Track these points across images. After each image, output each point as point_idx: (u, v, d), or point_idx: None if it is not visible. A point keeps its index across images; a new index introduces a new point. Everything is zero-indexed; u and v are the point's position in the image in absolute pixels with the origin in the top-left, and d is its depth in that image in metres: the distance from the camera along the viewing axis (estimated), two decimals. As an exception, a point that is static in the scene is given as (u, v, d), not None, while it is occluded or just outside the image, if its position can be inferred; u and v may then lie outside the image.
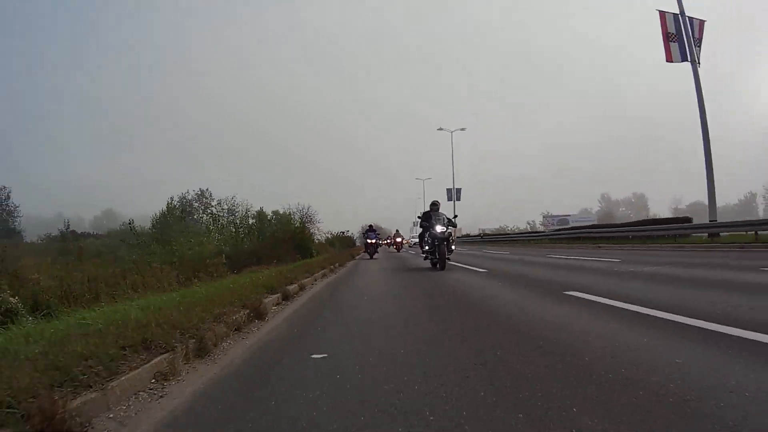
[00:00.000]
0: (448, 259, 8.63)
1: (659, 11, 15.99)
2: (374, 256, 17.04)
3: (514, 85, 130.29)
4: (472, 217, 72.48)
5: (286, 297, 5.08)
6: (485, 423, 1.48)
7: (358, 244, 33.48)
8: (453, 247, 9.01)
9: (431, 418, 1.54)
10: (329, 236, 26.58)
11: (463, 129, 38.54)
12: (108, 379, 1.90)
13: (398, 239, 24.08)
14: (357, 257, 18.47)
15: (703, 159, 15.35)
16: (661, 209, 69.57)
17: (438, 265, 8.34)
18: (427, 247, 9.30)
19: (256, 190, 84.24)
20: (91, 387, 1.80)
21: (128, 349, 2.21)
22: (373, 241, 17.48)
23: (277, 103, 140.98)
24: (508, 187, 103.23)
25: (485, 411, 1.58)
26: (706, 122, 15.19)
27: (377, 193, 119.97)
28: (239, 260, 10.87)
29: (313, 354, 2.49)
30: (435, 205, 9.17)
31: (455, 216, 9.54)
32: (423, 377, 1.98)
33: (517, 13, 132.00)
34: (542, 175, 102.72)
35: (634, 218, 57.26)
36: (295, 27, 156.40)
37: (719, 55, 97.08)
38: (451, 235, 8.80)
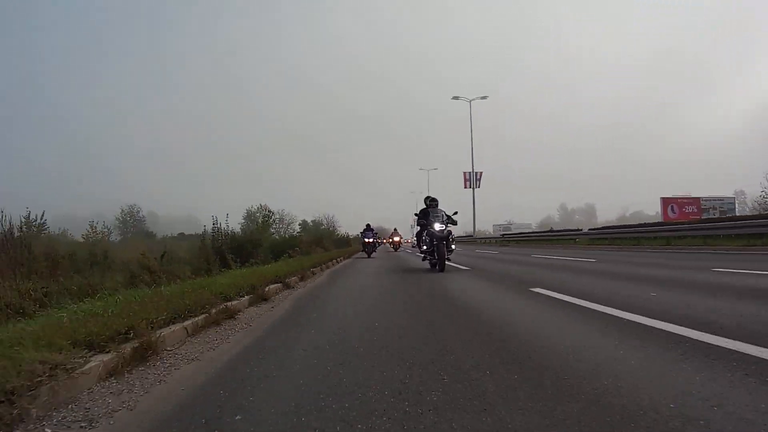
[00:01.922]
0: (448, 259, 7.76)
1: (464, 172, 34.68)
2: (372, 255, 16.61)
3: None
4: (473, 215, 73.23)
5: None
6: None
7: None
8: (453, 246, 8.04)
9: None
10: (350, 237, 36.17)
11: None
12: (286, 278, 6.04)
13: (396, 238, 24.09)
14: (355, 256, 18.02)
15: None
16: (610, 216, 75.76)
17: (437, 266, 7.51)
18: (425, 247, 8.34)
19: (258, 189, 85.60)
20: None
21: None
22: (371, 240, 17.04)
23: (278, 102, 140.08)
24: (509, 190, 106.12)
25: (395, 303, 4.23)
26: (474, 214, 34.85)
27: (377, 192, 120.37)
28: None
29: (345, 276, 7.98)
30: (433, 202, 8.29)
31: (455, 213, 8.40)
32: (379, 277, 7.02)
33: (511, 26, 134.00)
34: (537, 180, 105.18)
35: (585, 224, 60.85)
36: (306, 28, 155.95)
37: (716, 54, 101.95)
38: (450, 233, 7.91)
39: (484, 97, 34.02)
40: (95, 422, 1.54)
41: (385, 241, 31.48)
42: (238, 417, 1.51)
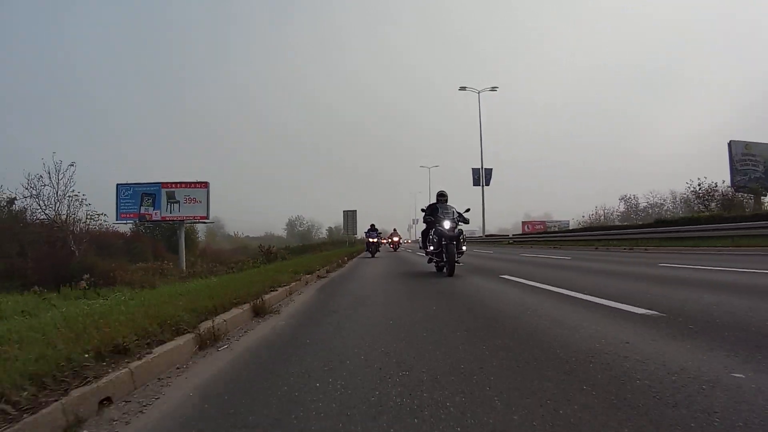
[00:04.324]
0: (458, 262, 6.75)
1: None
2: (375, 255, 16.08)
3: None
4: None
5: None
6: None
7: None
8: (464, 247, 7.03)
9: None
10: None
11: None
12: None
13: (395, 238, 23.99)
14: (360, 256, 17.58)
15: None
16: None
17: (445, 270, 6.63)
18: (431, 248, 7.27)
19: (261, 188, 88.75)
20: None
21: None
22: (374, 240, 16.78)
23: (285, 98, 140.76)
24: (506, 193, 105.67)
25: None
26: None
27: (378, 192, 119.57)
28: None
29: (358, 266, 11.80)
30: (442, 196, 7.36)
31: (467, 210, 7.36)
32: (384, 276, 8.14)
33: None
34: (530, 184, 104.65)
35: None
36: (312, 31, 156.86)
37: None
38: (462, 233, 6.95)
39: (435, 166, 47.57)
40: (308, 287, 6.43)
41: (384, 241, 32.13)
42: (349, 285, 6.37)
